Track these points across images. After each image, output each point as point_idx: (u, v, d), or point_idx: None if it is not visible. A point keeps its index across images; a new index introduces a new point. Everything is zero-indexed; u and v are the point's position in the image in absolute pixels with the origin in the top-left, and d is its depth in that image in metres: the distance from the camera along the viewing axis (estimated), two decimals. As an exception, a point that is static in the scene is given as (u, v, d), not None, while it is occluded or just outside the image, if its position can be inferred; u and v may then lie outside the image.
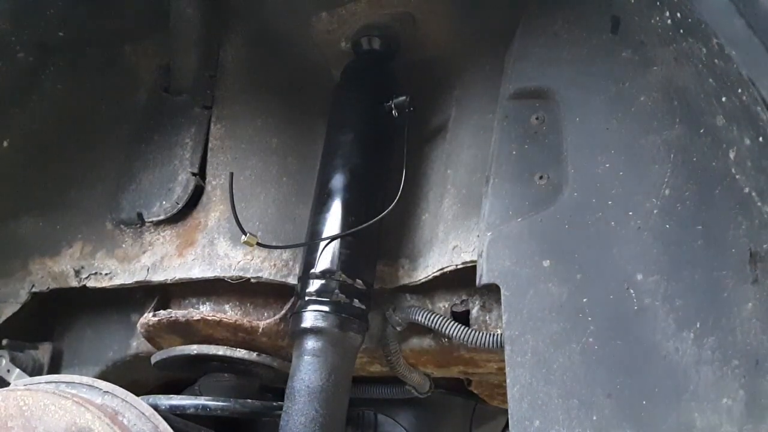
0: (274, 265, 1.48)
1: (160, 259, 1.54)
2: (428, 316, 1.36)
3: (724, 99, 0.89)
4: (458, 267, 1.31)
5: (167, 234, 1.57)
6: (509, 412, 1.02)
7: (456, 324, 1.34)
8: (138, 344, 1.64)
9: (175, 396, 1.41)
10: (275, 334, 1.47)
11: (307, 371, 1.27)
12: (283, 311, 1.48)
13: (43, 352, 1.67)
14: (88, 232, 1.65)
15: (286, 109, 1.65)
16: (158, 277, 1.52)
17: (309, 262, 1.38)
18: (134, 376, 1.71)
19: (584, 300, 1.02)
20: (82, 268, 1.61)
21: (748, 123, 0.85)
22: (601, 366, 0.97)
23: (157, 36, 1.68)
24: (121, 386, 1.16)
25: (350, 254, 1.37)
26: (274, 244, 1.44)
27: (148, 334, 1.51)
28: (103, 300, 1.67)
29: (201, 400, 1.40)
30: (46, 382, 1.22)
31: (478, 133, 1.39)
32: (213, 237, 1.51)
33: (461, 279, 1.38)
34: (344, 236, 1.37)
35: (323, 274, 1.35)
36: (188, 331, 1.47)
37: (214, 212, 1.54)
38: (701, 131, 0.98)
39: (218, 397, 1.45)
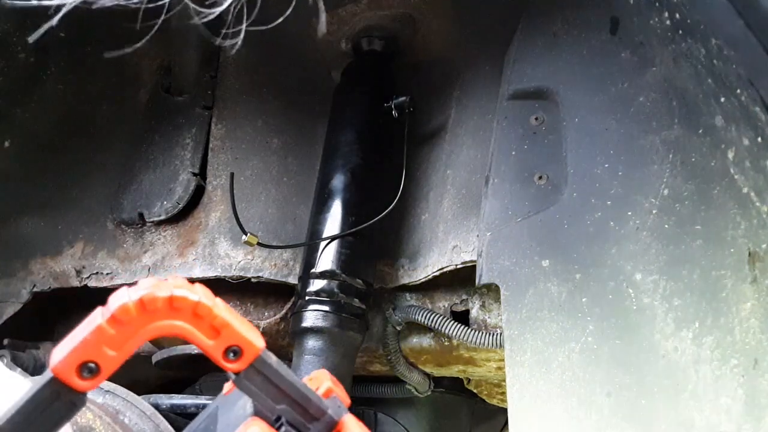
0: (275, 264, 1.49)
1: (161, 258, 1.55)
2: (428, 315, 1.37)
3: (723, 99, 0.89)
4: (458, 267, 1.31)
5: (168, 234, 1.58)
6: (509, 411, 1.03)
7: (456, 323, 1.34)
8: (139, 344, 1.65)
9: (176, 395, 1.41)
10: (276, 333, 1.48)
11: (308, 370, 1.28)
12: (284, 311, 1.48)
13: (44, 352, 1.68)
14: (89, 232, 1.65)
15: (286, 109, 1.65)
16: (159, 276, 1.52)
17: (309, 261, 1.38)
18: (135, 376, 1.72)
19: (583, 299, 1.02)
20: (84, 267, 1.61)
21: (747, 123, 0.85)
22: (600, 365, 0.98)
23: (158, 36, 1.69)
24: (121, 385, 1.17)
25: (350, 254, 1.37)
26: (274, 244, 1.45)
27: (148, 333, 1.51)
28: (104, 300, 1.66)
29: (202, 400, 1.40)
30: (48, 382, 1.22)
31: (477, 134, 1.40)
32: (214, 237, 1.52)
33: (461, 279, 1.39)
34: (344, 236, 1.38)
35: (323, 274, 1.35)
36: (189, 331, 1.48)
37: (214, 212, 1.55)
38: (700, 131, 0.98)
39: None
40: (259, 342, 0.44)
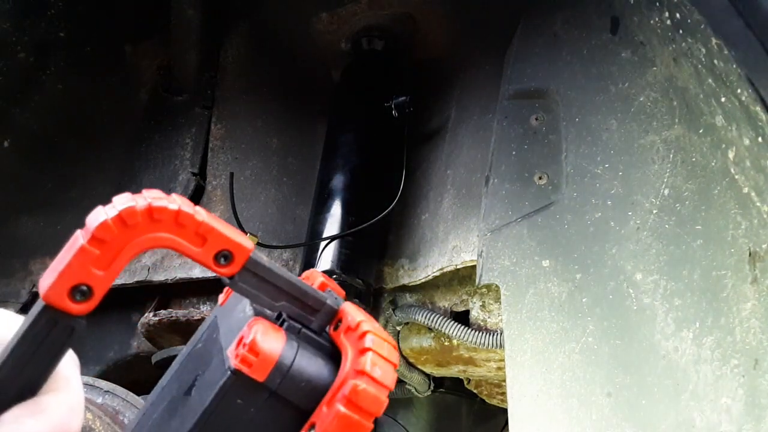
0: (275, 264, 1.49)
1: (161, 259, 1.55)
2: (428, 315, 1.37)
3: (723, 99, 0.89)
4: (458, 267, 1.31)
5: (168, 234, 1.58)
6: (509, 411, 1.02)
7: (456, 323, 1.34)
8: (139, 344, 1.65)
9: (176, 395, 1.41)
10: (276, 333, 1.48)
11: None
12: (284, 311, 1.48)
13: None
14: (89, 231, 1.65)
15: (286, 109, 1.65)
16: (159, 277, 1.52)
17: (309, 261, 1.38)
18: (135, 376, 1.72)
19: (583, 299, 1.02)
20: (83, 267, 1.61)
21: (748, 123, 0.85)
22: (601, 365, 0.97)
23: (158, 36, 1.69)
24: (121, 386, 1.17)
25: (350, 254, 1.37)
26: (274, 243, 1.45)
27: (148, 333, 1.51)
28: (103, 300, 1.67)
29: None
30: (47, 382, 1.22)
31: (477, 133, 1.40)
32: (213, 237, 1.52)
33: (461, 279, 1.38)
34: (344, 236, 1.37)
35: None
36: (189, 331, 1.48)
37: (214, 212, 1.55)
38: (701, 131, 0.98)
39: (218, 396, 1.45)
40: (248, 243, 0.43)
